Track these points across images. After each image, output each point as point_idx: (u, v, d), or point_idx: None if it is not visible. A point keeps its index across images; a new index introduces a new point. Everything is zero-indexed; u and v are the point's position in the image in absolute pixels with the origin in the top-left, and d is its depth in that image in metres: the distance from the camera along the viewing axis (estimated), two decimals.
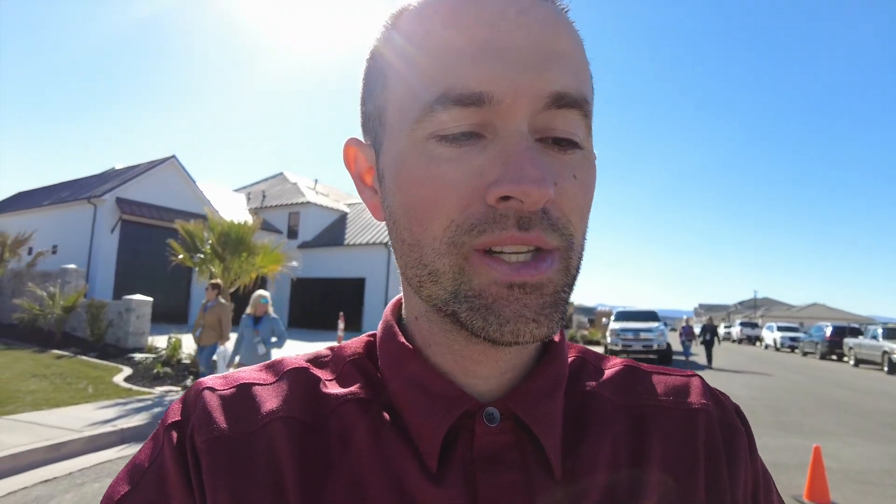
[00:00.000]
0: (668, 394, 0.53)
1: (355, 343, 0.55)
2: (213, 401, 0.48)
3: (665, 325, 20.21)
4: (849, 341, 23.65)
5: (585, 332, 30.94)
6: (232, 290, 10.61)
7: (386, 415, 0.48)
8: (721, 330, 55.96)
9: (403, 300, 0.54)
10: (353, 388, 0.50)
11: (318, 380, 0.51)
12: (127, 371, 10.11)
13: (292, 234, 28.11)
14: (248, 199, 30.77)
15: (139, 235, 21.06)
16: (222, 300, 8.16)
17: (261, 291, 6.78)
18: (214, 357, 8.02)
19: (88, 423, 6.19)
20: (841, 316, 64.71)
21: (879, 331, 21.25)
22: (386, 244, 25.09)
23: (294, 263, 11.82)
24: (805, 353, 29.19)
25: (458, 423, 0.46)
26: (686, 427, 0.51)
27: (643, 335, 18.35)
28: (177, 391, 8.57)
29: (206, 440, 0.45)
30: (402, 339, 0.50)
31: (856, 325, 27.29)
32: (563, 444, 0.47)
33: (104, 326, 13.28)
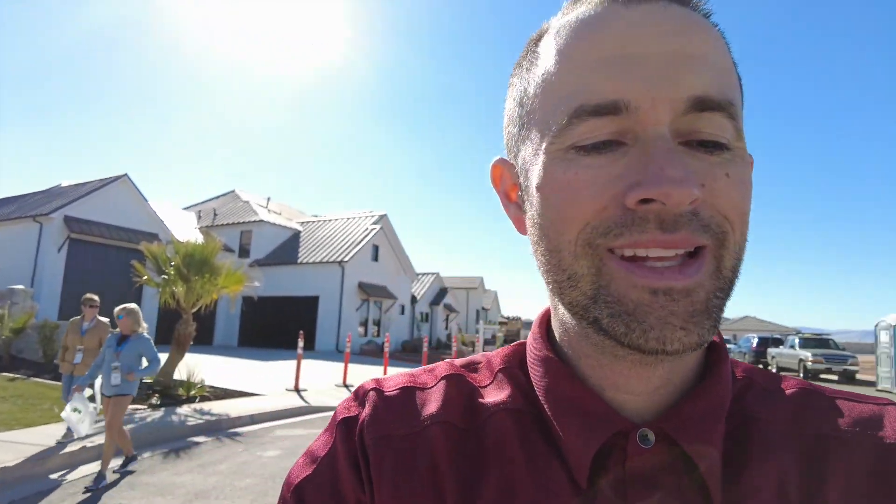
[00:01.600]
0: (855, 424, 0.46)
1: (506, 352, 0.56)
2: (380, 401, 0.51)
3: None
4: (772, 351, 25.72)
5: None
6: (194, 310, 10.93)
7: (537, 426, 0.48)
8: None
9: (551, 312, 0.53)
10: (506, 398, 0.50)
11: (474, 387, 0.52)
12: (88, 391, 10.22)
13: (244, 252, 28.11)
14: (199, 217, 30.54)
15: (89, 255, 20.75)
16: (102, 319, 6.91)
17: (125, 305, 5.67)
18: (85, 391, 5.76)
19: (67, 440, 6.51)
20: (769, 327, 68.60)
21: (797, 341, 23.31)
22: (340, 262, 25.49)
23: (256, 284, 12.23)
24: None
25: (609, 441, 0.45)
26: (877, 465, 0.43)
27: None
28: (143, 409, 8.78)
29: (373, 437, 0.48)
30: (550, 353, 0.50)
31: (779, 336, 29.49)
32: (723, 472, 0.44)
33: (57, 348, 13.19)
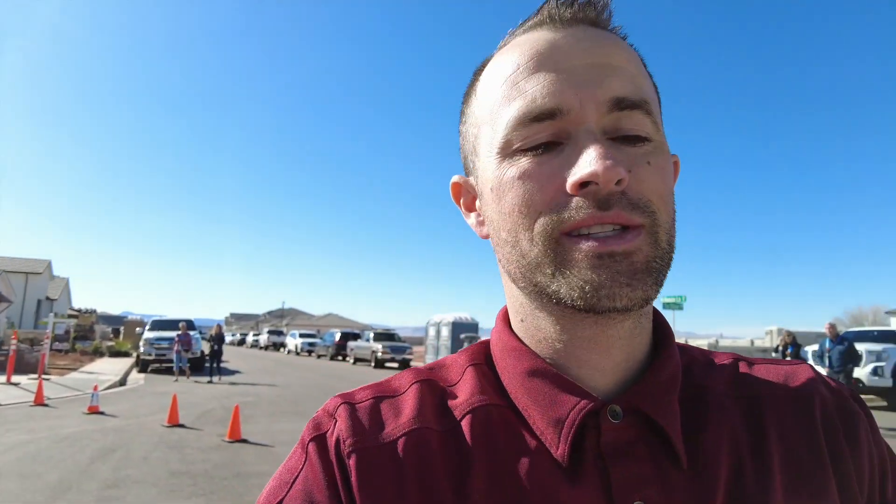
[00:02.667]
0: (779, 382, 0.54)
1: (473, 350, 0.58)
2: (352, 414, 0.51)
3: (200, 333, 20.86)
4: (351, 344, 29.69)
5: (111, 343, 28.31)
6: None
7: (512, 416, 0.50)
8: (250, 338, 59.28)
9: (508, 307, 0.56)
10: (477, 394, 0.52)
11: (444, 389, 0.54)
12: None
13: None
14: None
15: None
16: None
17: None
18: None
19: None
20: (349, 324, 77.84)
21: (371, 335, 27.68)
22: None
23: None
24: (319, 356, 34.56)
25: (582, 420, 0.48)
26: (802, 413, 0.52)
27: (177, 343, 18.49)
28: None
29: (351, 451, 0.48)
30: (516, 342, 0.53)
31: (357, 332, 34.01)
32: (685, 437, 0.49)
33: None
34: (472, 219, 0.58)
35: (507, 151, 0.49)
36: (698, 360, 0.57)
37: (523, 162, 0.47)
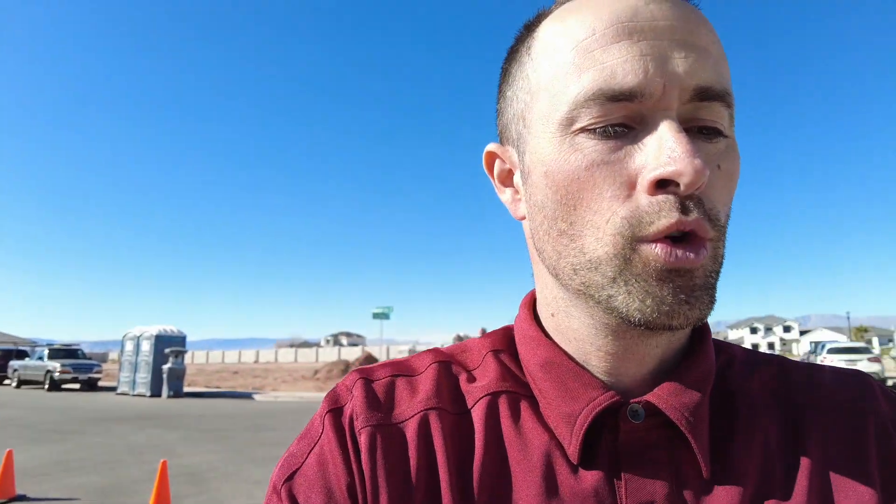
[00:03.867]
0: (829, 390, 0.50)
1: (496, 335, 0.57)
2: (368, 390, 0.51)
3: None
4: (14, 363, 24.42)
5: None
6: None
7: (528, 406, 0.49)
8: None
9: (538, 298, 0.54)
10: (494, 380, 0.51)
11: (462, 371, 0.53)
12: None
13: None
14: None
15: None
16: None
17: None
18: None
19: None
20: (6, 339, 63.00)
21: (46, 352, 23.19)
22: None
23: None
24: None
25: (600, 417, 0.46)
26: (851, 429, 0.48)
27: None
28: None
29: (364, 426, 0.48)
30: (536, 331, 0.51)
31: (24, 349, 28.06)
32: (711, 443, 0.46)
33: None
34: (506, 194, 0.54)
35: (570, 129, 0.43)
36: (738, 360, 0.54)
37: (590, 147, 0.42)
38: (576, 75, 0.43)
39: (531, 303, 0.56)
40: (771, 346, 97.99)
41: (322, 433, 0.50)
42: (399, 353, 22.43)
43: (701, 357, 0.49)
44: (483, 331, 10.63)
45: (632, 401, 0.47)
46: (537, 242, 0.49)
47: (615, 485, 0.45)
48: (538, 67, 0.47)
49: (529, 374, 0.51)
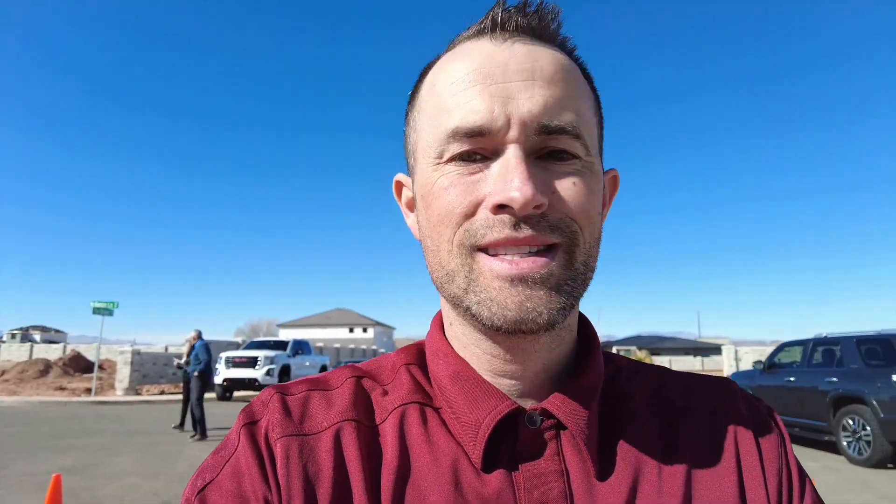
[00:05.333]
0: (700, 395, 0.57)
1: (409, 350, 0.61)
2: (284, 404, 0.53)
3: None
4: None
5: None
6: None
7: (436, 416, 0.53)
8: None
9: (442, 311, 0.59)
10: (406, 393, 0.54)
11: (377, 386, 0.55)
12: None
13: None
14: None
15: None
16: None
17: None
18: None
19: None
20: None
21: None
22: None
23: None
24: None
25: (501, 424, 0.50)
26: (717, 426, 0.55)
27: None
28: None
29: (279, 438, 0.50)
30: (444, 345, 0.56)
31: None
32: (600, 445, 0.52)
33: None
34: (411, 219, 0.60)
35: (440, 161, 0.50)
36: (624, 370, 0.60)
37: (451, 173, 0.49)
38: (444, 116, 0.50)
39: (440, 319, 0.60)
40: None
41: (238, 446, 0.51)
42: (119, 353, 19.94)
43: (591, 366, 0.54)
44: (198, 333, 10.89)
45: (529, 408, 0.51)
46: (426, 261, 0.54)
47: (515, 486, 0.49)
48: (421, 110, 0.54)
49: (438, 385, 0.55)
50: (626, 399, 0.56)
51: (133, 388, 19.37)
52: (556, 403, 0.51)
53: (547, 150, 0.49)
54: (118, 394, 19.11)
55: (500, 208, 0.46)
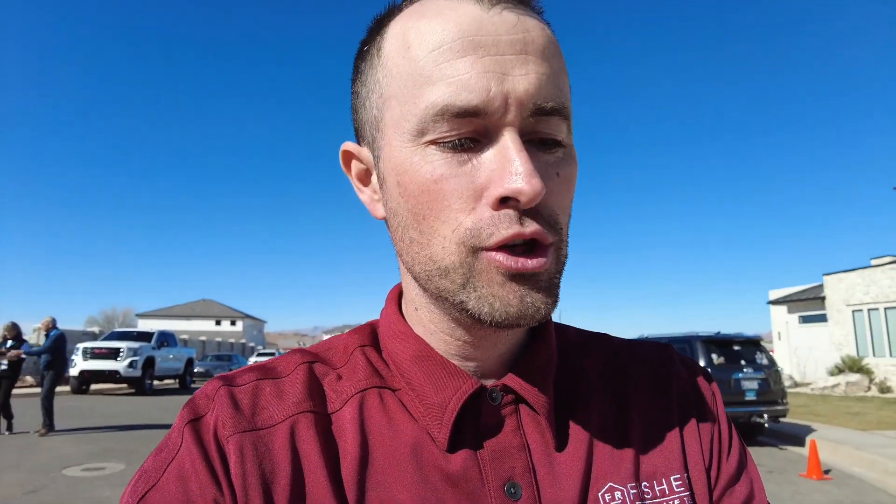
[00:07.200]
0: (644, 362, 0.60)
1: (361, 331, 0.58)
2: (232, 397, 0.49)
3: None
4: None
5: None
6: None
7: (395, 399, 0.52)
8: None
9: (404, 292, 0.56)
10: (363, 377, 0.53)
11: (329, 370, 0.53)
12: None
13: None
14: None
15: None
16: None
17: None
18: None
19: None
20: None
21: None
22: None
23: None
24: None
25: (464, 403, 0.50)
26: (661, 389, 0.58)
27: None
28: None
29: (230, 435, 0.47)
30: (405, 327, 0.54)
31: None
32: (557, 413, 0.53)
33: None
34: (365, 195, 0.55)
35: (421, 141, 0.45)
36: (574, 343, 0.61)
37: (440, 159, 0.44)
38: (426, 87, 0.44)
39: (397, 297, 0.59)
40: None
41: (181, 446, 0.47)
42: None
43: (543, 342, 0.56)
44: (52, 320, 10.13)
45: (489, 385, 0.52)
46: (396, 245, 0.51)
47: (481, 463, 0.49)
48: (388, 72, 0.47)
49: (398, 367, 0.53)
50: (578, 371, 0.58)
51: None
52: (515, 379, 0.52)
53: (536, 136, 0.46)
54: None
55: (503, 202, 0.43)
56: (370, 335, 0.58)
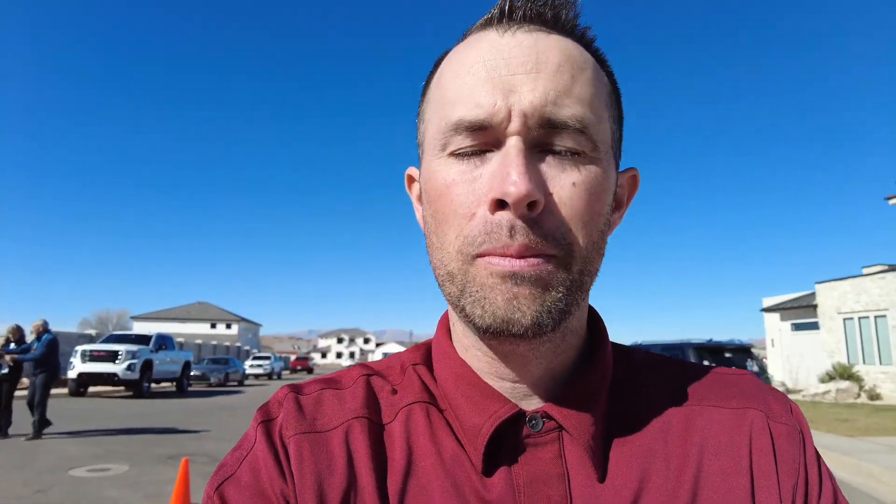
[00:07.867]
0: (717, 393, 0.55)
1: (417, 350, 0.61)
2: (297, 403, 0.54)
3: None
4: None
5: None
6: None
7: (441, 417, 0.54)
8: None
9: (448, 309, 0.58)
10: (414, 393, 0.55)
11: (386, 384, 0.57)
12: None
13: None
14: None
15: None
16: None
17: None
18: None
19: None
20: None
21: None
22: None
23: None
24: None
25: (502, 427, 0.50)
26: (733, 427, 0.53)
27: None
28: None
29: (292, 435, 0.52)
30: (450, 349, 0.56)
31: None
32: (606, 445, 0.51)
33: None
34: (419, 212, 0.59)
35: (444, 153, 0.49)
36: (639, 367, 0.58)
37: (453, 168, 0.48)
38: (448, 107, 0.49)
39: (447, 320, 0.60)
40: (352, 354, 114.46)
41: (255, 443, 0.53)
42: None
43: (596, 364, 0.54)
44: (44, 323, 9.92)
45: (530, 411, 0.51)
46: (429, 257, 0.53)
47: (516, 489, 0.49)
48: (428, 101, 0.55)
49: (442, 387, 0.55)
50: (638, 397, 0.55)
51: None
52: (558, 405, 0.51)
53: (551, 148, 0.47)
54: None
55: (498, 205, 0.45)
56: (424, 354, 0.61)
